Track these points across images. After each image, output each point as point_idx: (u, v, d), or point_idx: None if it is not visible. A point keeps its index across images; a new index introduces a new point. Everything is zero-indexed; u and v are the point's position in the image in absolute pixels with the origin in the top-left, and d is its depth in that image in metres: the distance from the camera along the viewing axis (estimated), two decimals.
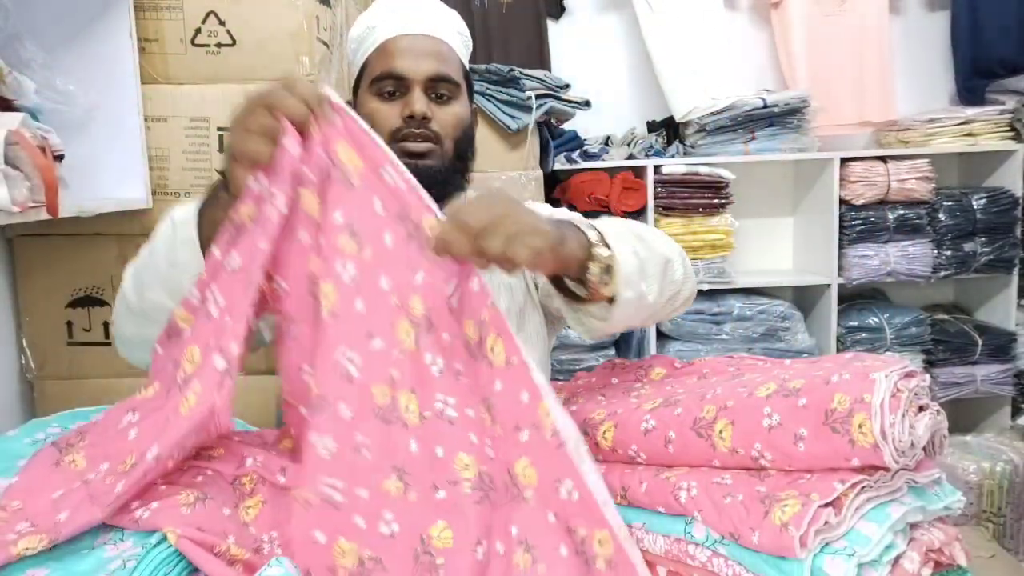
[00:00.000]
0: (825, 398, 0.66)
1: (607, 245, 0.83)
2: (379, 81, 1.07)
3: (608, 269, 0.83)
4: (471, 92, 1.16)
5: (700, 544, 0.71)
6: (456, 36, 1.13)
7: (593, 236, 0.84)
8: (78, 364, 1.75)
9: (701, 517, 0.71)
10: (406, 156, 1.02)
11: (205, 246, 0.82)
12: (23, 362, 1.70)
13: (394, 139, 1.05)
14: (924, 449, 0.67)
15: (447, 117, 1.08)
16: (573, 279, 0.86)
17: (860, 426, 0.63)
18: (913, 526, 0.66)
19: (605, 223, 0.89)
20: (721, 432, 0.74)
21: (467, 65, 1.16)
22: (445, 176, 1.07)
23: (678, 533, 0.74)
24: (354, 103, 1.13)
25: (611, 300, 0.84)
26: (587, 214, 2.96)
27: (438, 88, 1.07)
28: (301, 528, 0.69)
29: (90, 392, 1.67)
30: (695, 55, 2.69)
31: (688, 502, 0.73)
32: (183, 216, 0.86)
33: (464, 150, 1.12)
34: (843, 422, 0.64)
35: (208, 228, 0.82)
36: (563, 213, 1.14)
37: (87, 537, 0.69)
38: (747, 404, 0.73)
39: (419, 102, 1.05)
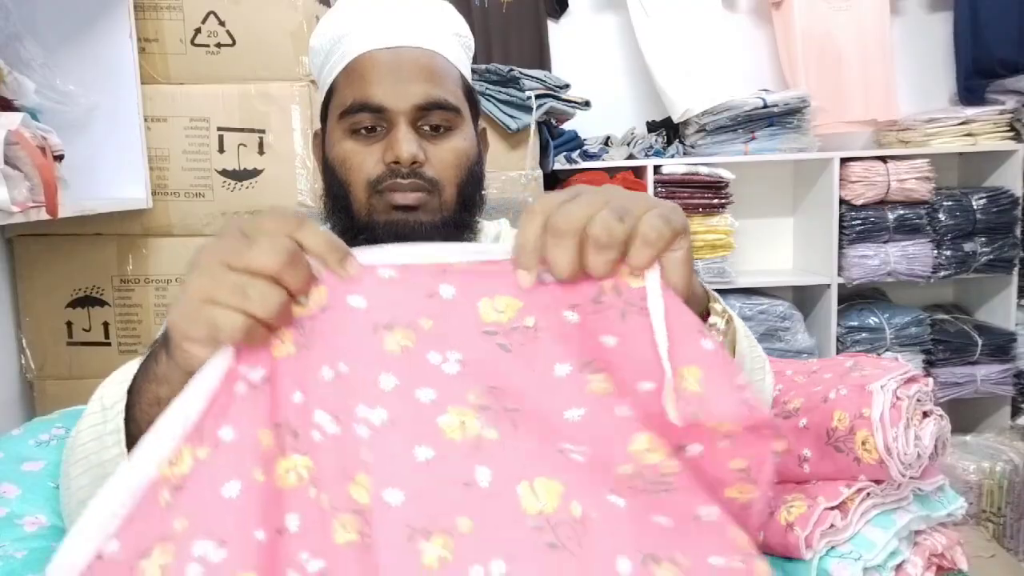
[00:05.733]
0: (825, 417, 0.66)
1: (718, 303, 0.64)
2: (352, 114, 0.80)
3: (725, 333, 0.63)
4: (476, 110, 0.90)
5: None
6: (453, 40, 0.86)
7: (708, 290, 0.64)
8: (78, 364, 1.75)
9: None
10: (393, 210, 0.79)
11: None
12: (23, 362, 1.70)
13: (375, 191, 0.80)
14: (928, 455, 0.67)
15: (445, 156, 0.81)
16: None
17: (863, 443, 0.63)
18: (916, 531, 0.66)
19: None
20: None
21: (469, 76, 0.90)
22: (445, 233, 0.81)
23: None
24: (322, 134, 0.88)
25: None
26: None
27: (431, 118, 0.81)
28: None
29: (90, 392, 1.66)
30: (692, 56, 2.69)
31: None
32: (114, 396, 0.63)
33: (470, 195, 0.85)
34: (845, 440, 0.64)
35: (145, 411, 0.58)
36: None
37: None
38: None
39: (406, 142, 0.78)
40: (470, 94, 0.88)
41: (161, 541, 0.47)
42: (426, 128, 0.81)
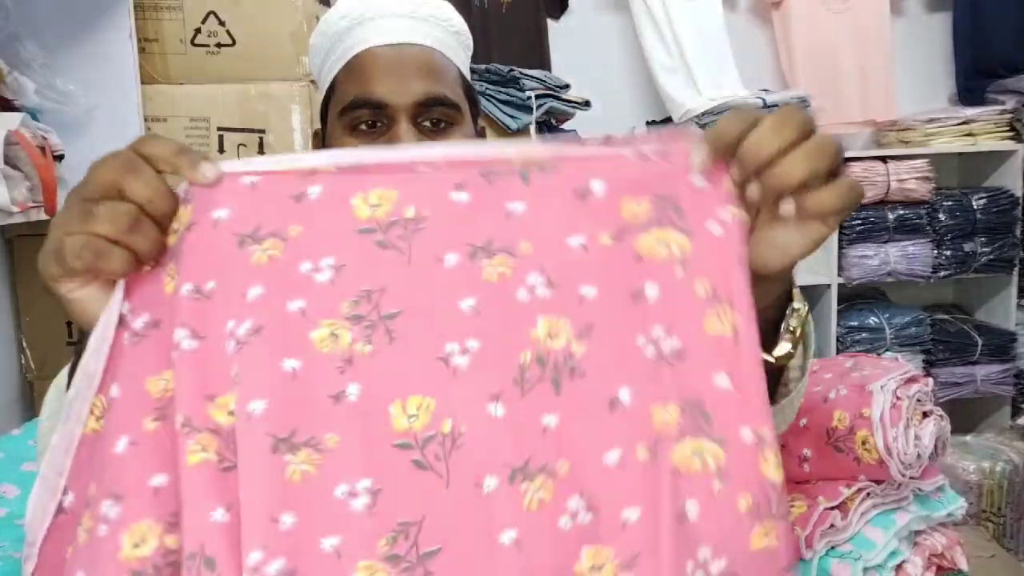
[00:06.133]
0: (825, 417, 0.66)
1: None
2: (352, 111, 0.81)
3: (803, 336, 0.60)
4: (475, 108, 0.90)
5: None
6: (451, 38, 0.87)
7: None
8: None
9: None
10: None
11: None
12: (23, 362, 1.70)
13: None
14: (928, 455, 0.67)
15: None
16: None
17: (864, 443, 0.63)
18: (916, 531, 0.66)
19: None
20: None
21: (468, 74, 0.90)
22: None
23: None
24: (323, 133, 0.88)
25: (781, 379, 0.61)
26: None
27: (431, 114, 0.81)
28: None
29: None
30: (692, 56, 2.69)
31: None
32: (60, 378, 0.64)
33: None
34: (845, 440, 0.64)
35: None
36: None
37: None
38: None
39: (407, 138, 0.79)
40: (469, 92, 0.88)
41: (87, 506, 0.48)
42: (426, 124, 0.81)
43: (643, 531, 0.47)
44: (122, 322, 0.50)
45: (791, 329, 0.59)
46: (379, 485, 0.47)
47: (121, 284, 0.50)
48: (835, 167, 0.49)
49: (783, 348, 0.59)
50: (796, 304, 0.59)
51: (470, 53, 0.93)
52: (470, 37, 0.92)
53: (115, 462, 0.48)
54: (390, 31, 0.82)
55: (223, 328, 0.49)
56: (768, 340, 0.58)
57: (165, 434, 0.48)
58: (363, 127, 0.81)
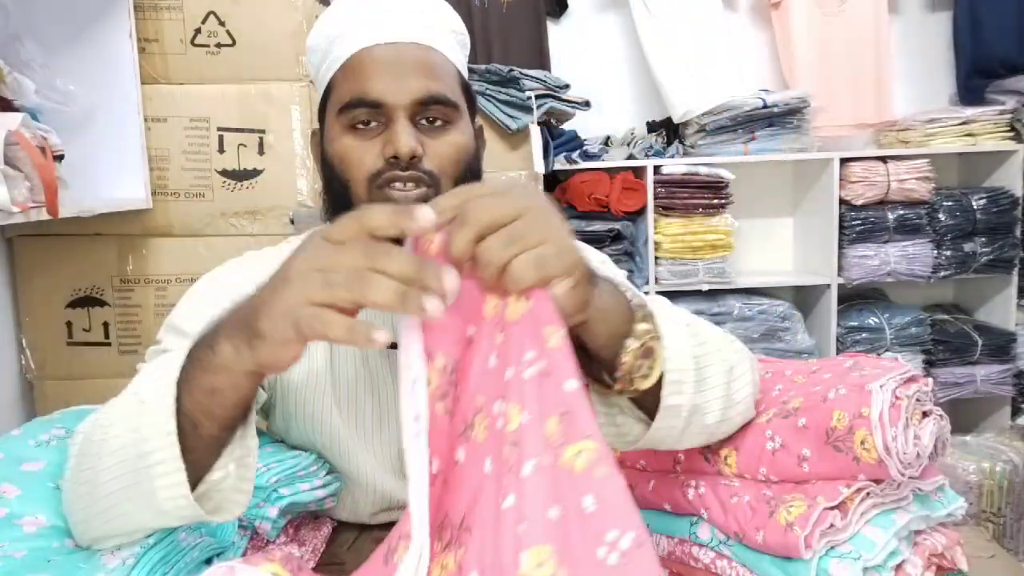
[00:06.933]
0: (824, 416, 0.66)
1: (651, 321, 0.64)
2: (350, 109, 0.81)
3: (649, 352, 0.63)
4: (473, 107, 0.90)
5: (705, 545, 0.72)
6: (449, 37, 0.87)
7: (635, 302, 0.64)
8: (78, 364, 1.75)
9: (707, 515, 0.72)
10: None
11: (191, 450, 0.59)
12: (23, 362, 1.70)
13: (374, 185, 0.80)
14: (928, 455, 0.67)
15: (444, 150, 0.81)
16: (602, 356, 0.63)
17: (862, 442, 0.63)
18: (916, 531, 0.66)
19: (655, 300, 0.69)
20: (726, 459, 0.74)
21: (465, 73, 0.90)
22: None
23: (682, 534, 0.74)
24: (321, 132, 0.89)
25: (651, 399, 0.64)
26: (587, 214, 2.92)
27: (429, 113, 0.81)
28: None
29: (90, 392, 1.67)
30: (693, 56, 2.69)
31: (695, 499, 0.74)
32: (151, 391, 0.61)
33: None
34: (844, 440, 0.64)
35: (199, 407, 0.59)
36: (598, 262, 0.90)
37: (87, 549, 0.70)
38: (748, 430, 0.73)
39: (405, 136, 0.78)
40: (467, 90, 0.88)
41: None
42: (424, 123, 0.81)
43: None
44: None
45: (624, 355, 0.63)
46: None
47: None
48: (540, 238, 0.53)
49: (624, 375, 0.63)
50: (627, 342, 0.63)
51: (467, 51, 0.93)
52: (467, 35, 0.92)
53: None
54: (388, 30, 0.82)
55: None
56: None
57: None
58: (360, 126, 0.81)
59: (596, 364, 0.64)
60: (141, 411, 0.61)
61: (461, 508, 0.52)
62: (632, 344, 0.62)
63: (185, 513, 0.61)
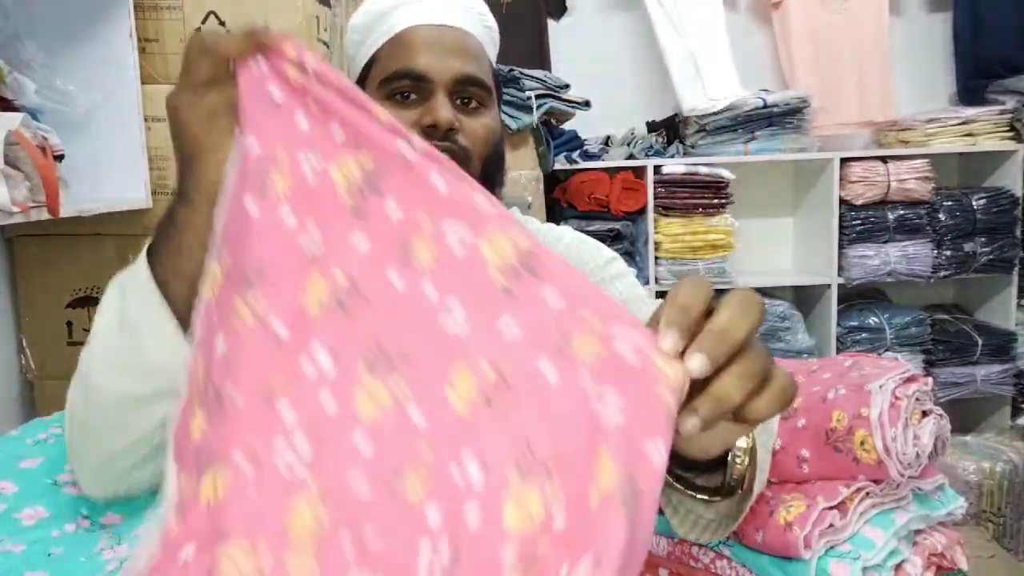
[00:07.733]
0: (824, 417, 0.66)
1: None
2: (393, 80, 0.85)
3: (753, 456, 0.57)
4: (500, 100, 0.94)
5: (704, 545, 0.71)
6: (485, 32, 0.92)
7: None
8: (78, 364, 1.75)
9: None
10: None
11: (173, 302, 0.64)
12: (23, 362, 1.70)
13: None
14: (927, 454, 0.67)
15: (477, 129, 0.85)
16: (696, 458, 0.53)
17: (862, 443, 0.63)
18: (916, 531, 0.66)
19: None
20: None
21: (495, 66, 0.95)
22: None
23: None
24: None
25: (733, 493, 0.57)
26: (587, 214, 2.92)
27: (467, 93, 0.85)
28: None
29: None
30: (699, 53, 2.69)
31: None
32: (129, 276, 0.68)
33: (493, 173, 0.88)
34: (844, 440, 0.64)
35: (170, 276, 0.65)
36: (608, 259, 0.91)
37: (87, 544, 0.69)
38: None
39: (444, 108, 0.82)
40: (497, 83, 0.93)
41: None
42: (460, 103, 0.85)
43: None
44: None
45: (732, 475, 0.56)
46: None
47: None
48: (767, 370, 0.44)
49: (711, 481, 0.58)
50: (736, 451, 0.56)
51: (497, 50, 0.98)
52: (498, 35, 0.97)
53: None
54: (434, 12, 0.88)
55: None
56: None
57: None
58: (399, 96, 0.85)
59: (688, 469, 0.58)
60: (122, 296, 0.67)
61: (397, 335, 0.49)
62: (740, 454, 0.55)
63: (178, 355, 0.61)
